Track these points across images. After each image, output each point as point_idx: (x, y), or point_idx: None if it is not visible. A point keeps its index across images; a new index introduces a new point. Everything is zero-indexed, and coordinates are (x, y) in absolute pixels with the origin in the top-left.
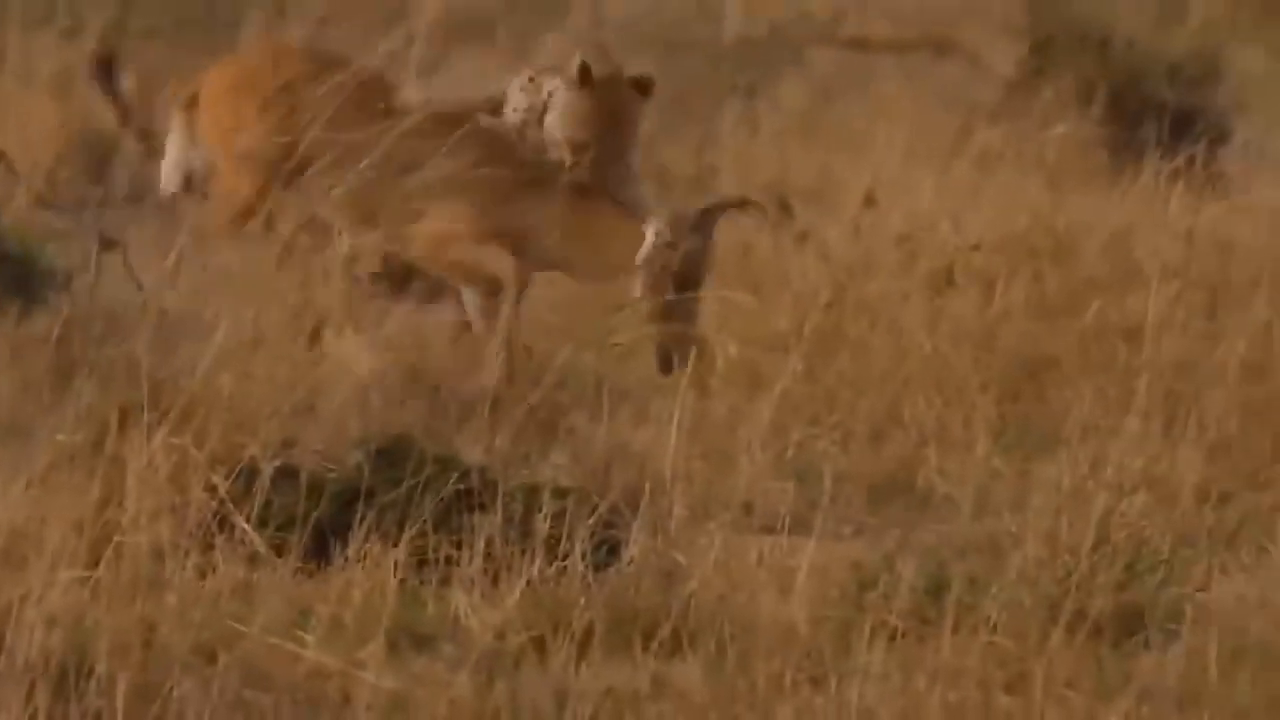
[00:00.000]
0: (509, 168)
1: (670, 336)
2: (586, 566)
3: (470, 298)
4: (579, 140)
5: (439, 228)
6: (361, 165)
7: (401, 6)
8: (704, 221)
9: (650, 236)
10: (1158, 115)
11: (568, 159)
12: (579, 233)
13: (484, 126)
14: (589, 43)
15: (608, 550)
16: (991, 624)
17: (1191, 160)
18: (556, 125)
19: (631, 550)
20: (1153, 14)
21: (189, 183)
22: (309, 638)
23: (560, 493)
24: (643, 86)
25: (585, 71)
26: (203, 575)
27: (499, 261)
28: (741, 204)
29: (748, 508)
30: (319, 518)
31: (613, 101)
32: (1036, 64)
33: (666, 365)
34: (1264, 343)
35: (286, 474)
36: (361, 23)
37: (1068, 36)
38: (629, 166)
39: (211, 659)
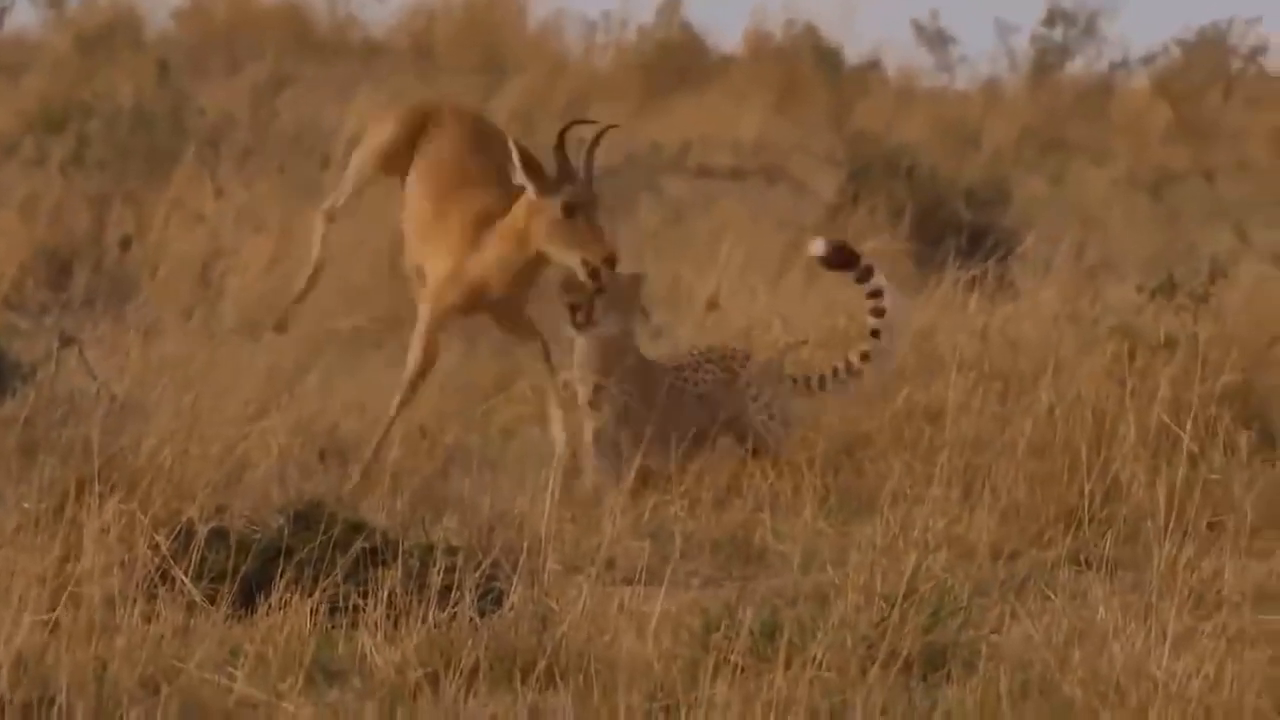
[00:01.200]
0: None
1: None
2: (473, 612)
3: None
4: None
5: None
6: None
7: (321, 144)
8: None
9: None
10: (956, 232)
11: None
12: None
13: None
14: None
15: (492, 599)
16: (818, 661)
17: (985, 270)
18: None
19: (512, 599)
20: (951, 148)
21: None
22: (238, 673)
23: (451, 551)
24: None
25: None
26: (148, 620)
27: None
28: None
29: (610, 563)
30: (246, 572)
31: None
32: (854, 190)
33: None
34: (1047, 424)
35: (219, 535)
36: (281, 149)
37: (880, 166)
38: None
39: (156, 691)
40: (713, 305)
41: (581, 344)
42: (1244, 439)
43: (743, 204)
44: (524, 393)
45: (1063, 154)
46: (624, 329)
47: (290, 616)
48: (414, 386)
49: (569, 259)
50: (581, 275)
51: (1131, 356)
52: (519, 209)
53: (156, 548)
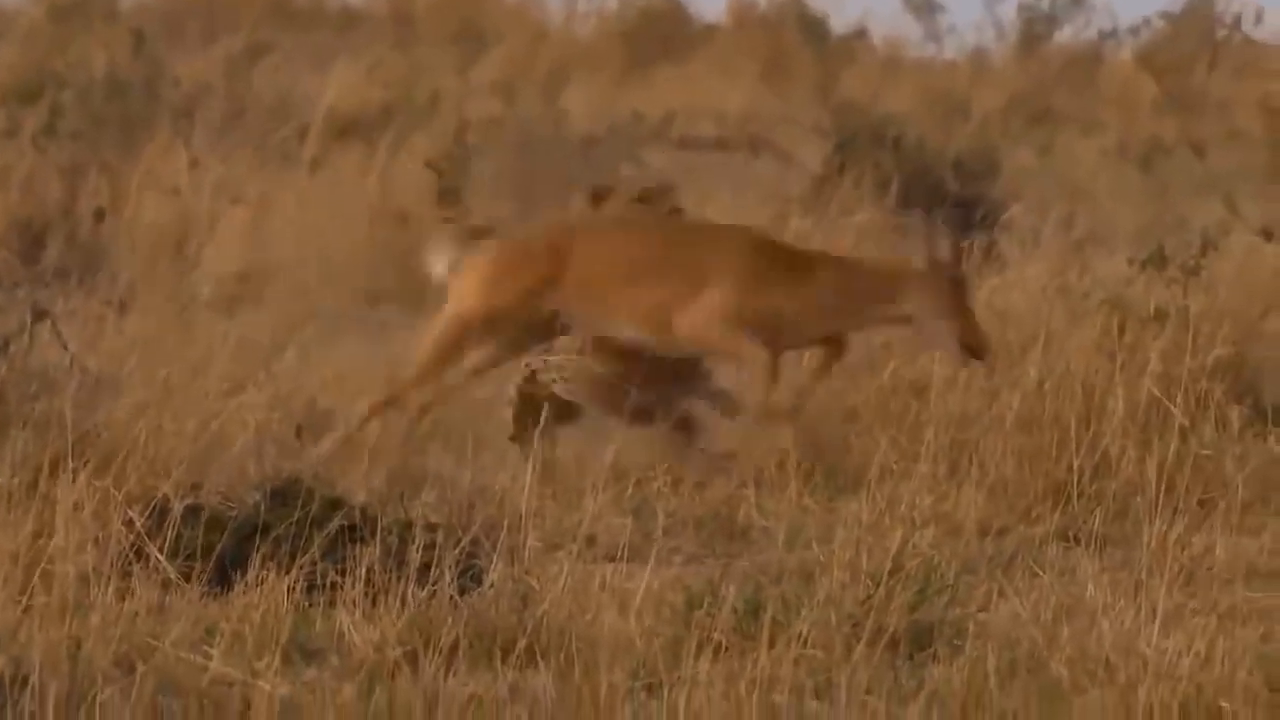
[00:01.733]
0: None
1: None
2: (453, 590)
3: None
4: None
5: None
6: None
7: (288, 109)
8: None
9: None
10: (943, 203)
11: None
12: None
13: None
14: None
15: (471, 576)
16: (803, 639)
17: (972, 242)
18: None
19: (492, 576)
20: (938, 118)
21: None
22: (214, 651)
23: (430, 527)
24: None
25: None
26: (122, 598)
27: (751, 351)
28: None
29: (591, 539)
30: (222, 549)
31: None
32: (840, 161)
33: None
34: (1035, 398)
35: (194, 511)
36: (257, 120)
37: (866, 137)
38: None
39: (130, 670)
40: None
41: None
42: (1235, 413)
43: (727, 175)
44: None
45: (1051, 124)
46: None
47: (267, 594)
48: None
49: (946, 338)
50: (955, 356)
51: (1121, 330)
52: (891, 269)
53: (131, 524)
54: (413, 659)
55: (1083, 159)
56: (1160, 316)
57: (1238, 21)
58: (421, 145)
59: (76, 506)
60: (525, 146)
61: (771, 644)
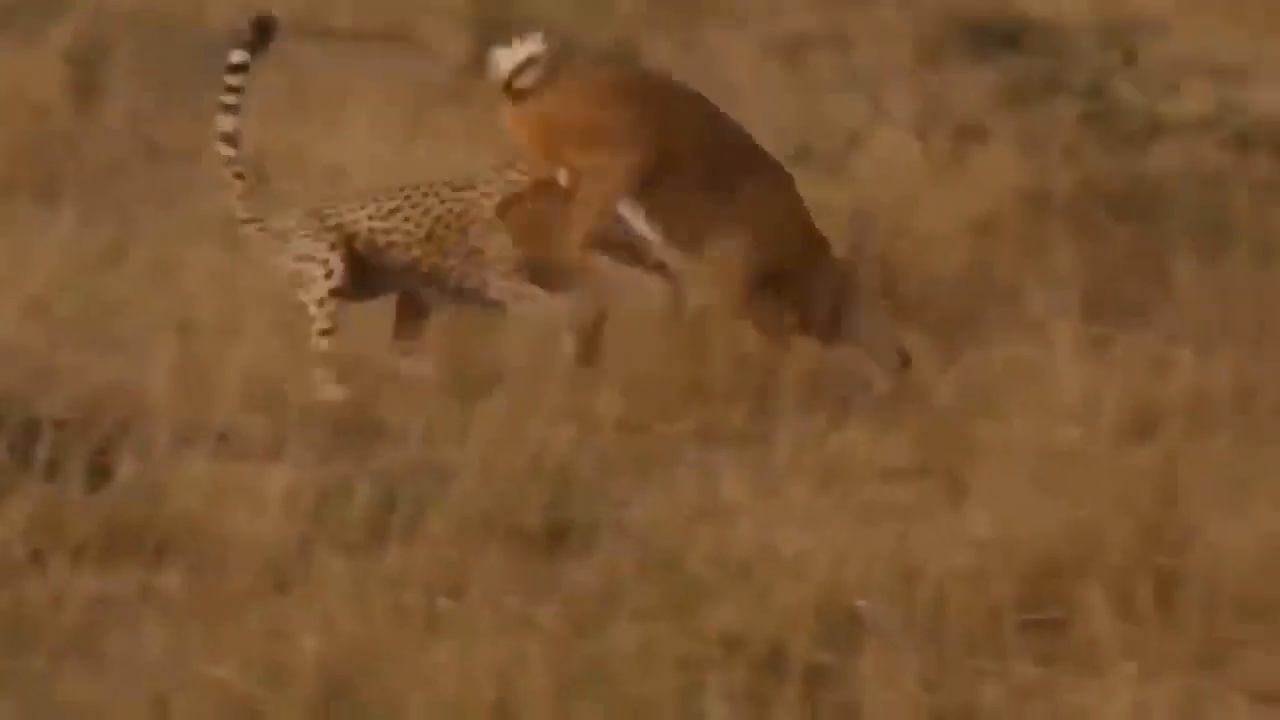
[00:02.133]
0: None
1: None
2: (81, 488)
3: None
4: None
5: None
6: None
7: None
8: None
9: None
10: None
11: None
12: None
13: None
14: None
15: (100, 474)
16: (436, 538)
17: None
18: None
19: (121, 474)
20: (583, 9)
21: None
22: None
23: (59, 424)
24: None
25: None
26: None
27: None
28: None
29: (224, 437)
30: None
31: None
32: (483, 52)
33: None
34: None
35: None
36: None
37: (509, 26)
38: None
39: None
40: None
41: None
42: None
43: (369, 67)
44: (138, 263)
45: (696, 18)
46: None
47: None
48: None
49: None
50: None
51: None
52: None
53: None
54: (39, 558)
55: (728, 54)
56: None
57: None
58: (58, 36)
59: None
60: (165, 39)
61: (404, 543)
